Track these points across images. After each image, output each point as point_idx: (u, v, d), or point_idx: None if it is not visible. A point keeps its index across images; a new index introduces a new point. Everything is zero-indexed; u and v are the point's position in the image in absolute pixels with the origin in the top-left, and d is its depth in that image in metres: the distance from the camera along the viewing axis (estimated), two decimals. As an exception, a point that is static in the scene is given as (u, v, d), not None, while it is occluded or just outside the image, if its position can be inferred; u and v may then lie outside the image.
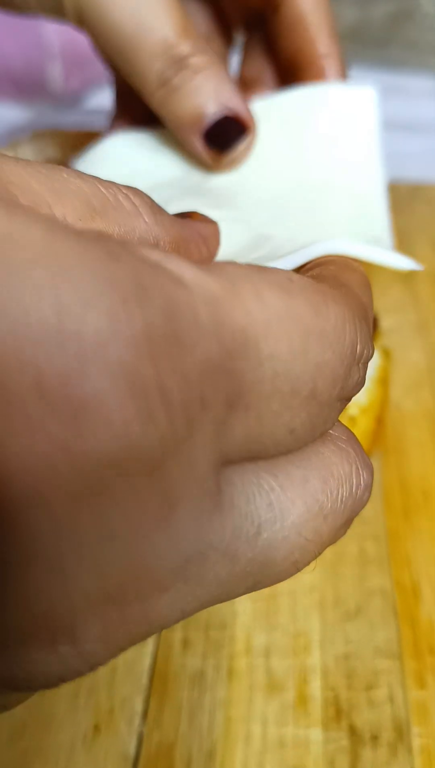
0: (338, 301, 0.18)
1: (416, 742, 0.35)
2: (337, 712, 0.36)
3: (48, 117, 1.11)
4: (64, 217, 0.19)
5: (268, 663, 0.38)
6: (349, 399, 0.19)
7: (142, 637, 0.16)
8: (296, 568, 0.18)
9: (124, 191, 0.22)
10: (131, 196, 0.22)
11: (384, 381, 0.48)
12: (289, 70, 0.45)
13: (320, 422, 0.18)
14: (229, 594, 0.17)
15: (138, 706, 0.36)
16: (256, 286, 0.16)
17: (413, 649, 0.38)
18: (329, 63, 0.43)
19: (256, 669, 0.38)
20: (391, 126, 1.22)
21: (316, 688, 0.37)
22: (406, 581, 0.41)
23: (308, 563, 0.19)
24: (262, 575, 0.17)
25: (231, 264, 0.17)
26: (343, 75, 0.45)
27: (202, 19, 0.47)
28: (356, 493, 0.20)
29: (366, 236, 0.35)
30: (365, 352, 0.19)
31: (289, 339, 0.16)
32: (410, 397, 0.54)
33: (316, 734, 0.35)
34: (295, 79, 0.45)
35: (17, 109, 1.09)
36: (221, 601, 0.18)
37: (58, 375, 0.12)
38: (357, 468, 0.20)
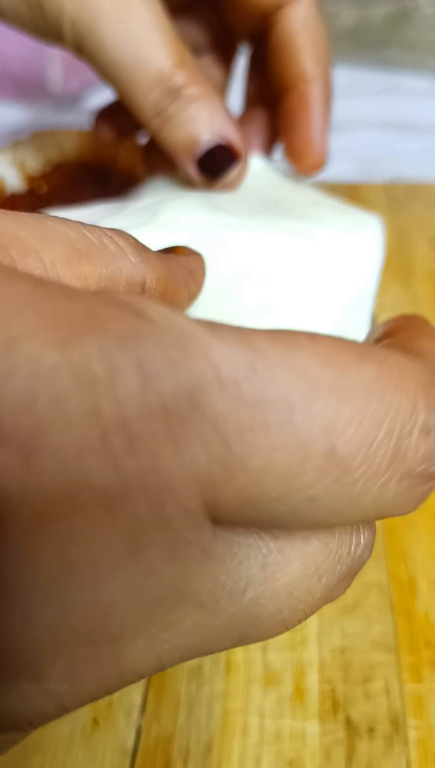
0: (381, 361, 0.16)
1: (412, 735, 0.35)
2: (333, 705, 0.36)
3: (48, 117, 1.12)
4: (53, 262, 0.20)
5: (266, 656, 0.38)
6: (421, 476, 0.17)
7: (116, 685, 0.15)
8: (285, 626, 0.17)
9: (109, 234, 0.23)
10: (115, 238, 0.23)
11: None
12: (277, 92, 0.46)
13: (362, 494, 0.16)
14: (213, 647, 0.17)
15: (136, 699, 0.37)
16: (239, 332, 0.15)
17: (409, 643, 0.38)
18: (314, 89, 0.45)
19: (253, 662, 0.38)
20: (390, 126, 1.22)
21: (313, 681, 0.37)
22: (403, 576, 0.42)
23: (299, 622, 0.18)
24: (248, 630, 0.17)
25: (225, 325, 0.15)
26: (328, 102, 0.46)
27: (202, 38, 0.47)
28: (355, 552, 0.19)
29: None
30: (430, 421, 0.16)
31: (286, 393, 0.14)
32: (407, 394, 0.54)
33: (312, 727, 0.35)
34: (281, 101, 0.46)
35: (17, 109, 1.09)
36: (205, 654, 0.17)
37: (9, 405, 0.12)
38: (358, 526, 0.19)
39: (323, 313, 0.38)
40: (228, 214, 0.41)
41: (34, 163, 0.56)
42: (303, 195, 0.48)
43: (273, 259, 0.39)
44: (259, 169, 0.49)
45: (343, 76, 1.33)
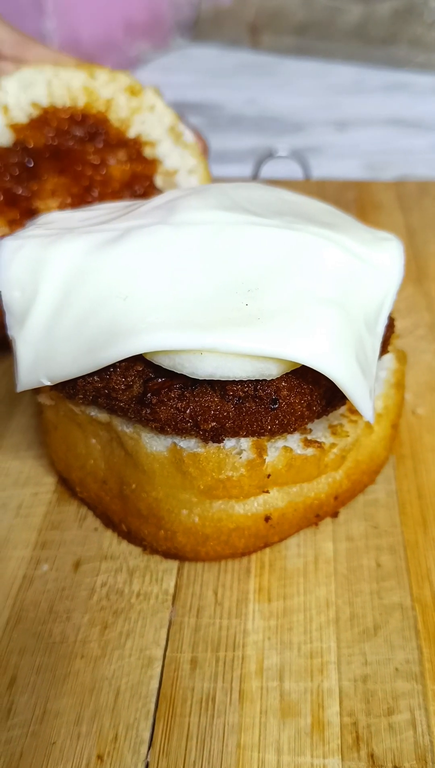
0: None
1: (441, 772, 0.32)
2: (355, 740, 0.33)
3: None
4: None
5: (282, 686, 0.35)
6: None
7: None
8: None
9: None
10: None
11: (400, 385, 0.46)
12: None
13: None
14: None
15: (144, 732, 0.34)
16: None
17: (436, 671, 0.36)
18: None
19: (269, 692, 0.35)
20: (396, 123, 1.20)
21: (333, 713, 0.34)
22: (427, 596, 0.39)
23: None
24: None
25: None
26: None
27: None
28: None
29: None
30: None
31: None
32: (425, 402, 0.52)
33: (334, 764, 0.33)
34: None
35: None
36: None
37: None
38: None
39: (345, 314, 0.36)
40: (246, 212, 0.39)
41: (19, 110, 0.53)
42: (316, 204, 0.46)
43: (295, 256, 0.37)
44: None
45: (349, 74, 1.31)
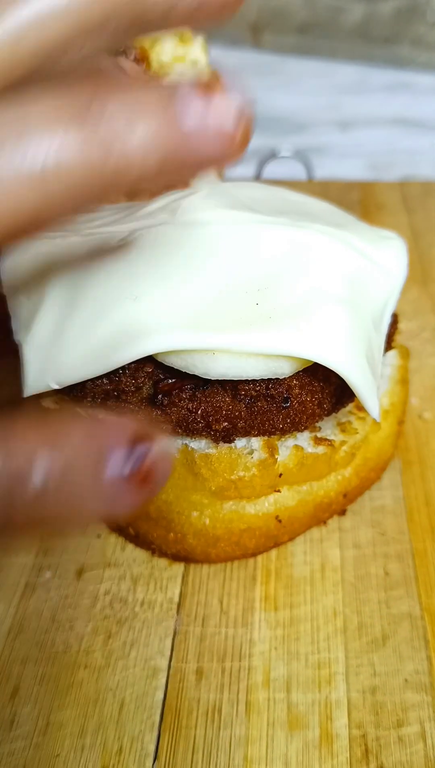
0: None
1: (452, 787, 0.32)
2: (365, 753, 0.33)
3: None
4: None
5: (289, 697, 0.35)
6: None
7: None
8: None
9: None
10: None
11: (404, 381, 0.46)
12: None
13: None
14: None
15: (149, 745, 0.33)
16: None
17: (446, 682, 0.35)
18: None
19: (276, 704, 0.35)
20: (399, 123, 1.19)
21: (341, 725, 0.34)
22: (435, 606, 0.38)
23: None
24: None
25: None
26: None
27: None
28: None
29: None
30: None
31: None
32: (432, 406, 0.51)
33: (343, 778, 0.32)
34: None
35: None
36: None
37: None
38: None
39: (355, 312, 0.35)
40: (251, 211, 0.39)
41: None
42: (318, 203, 0.46)
43: (304, 254, 0.37)
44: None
45: (352, 74, 1.31)
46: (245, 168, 0.93)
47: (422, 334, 0.59)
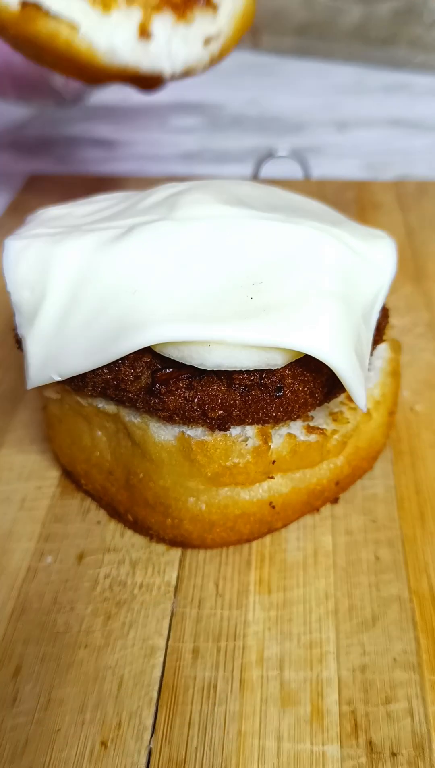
0: None
1: (438, 759, 0.33)
2: (354, 728, 0.34)
3: (48, 114, 1.10)
4: None
5: (282, 675, 0.36)
6: None
7: None
8: None
9: None
10: None
11: (395, 373, 0.47)
12: None
13: None
14: None
15: (147, 720, 0.35)
16: None
17: (433, 661, 0.36)
18: None
19: (269, 681, 0.36)
20: (396, 124, 1.20)
21: (332, 702, 0.35)
22: (424, 589, 0.40)
23: None
24: None
25: None
26: None
27: None
28: None
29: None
30: None
31: None
32: (424, 399, 0.53)
33: (332, 751, 0.33)
34: None
35: (18, 108, 1.07)
36: None
37: None
38: None
39: (346, 306, 0.37)
40: (247, 207, 0.40)
41: None
42: (309, 201, 0.48)
43: (297, 250, 0.38)
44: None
45: (349, 74, 1.32)
46: (243, 167, 0.95)
47: (415, 330, 0.60)
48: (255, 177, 0.85)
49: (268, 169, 0.85)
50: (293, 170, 0.86)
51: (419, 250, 0.71)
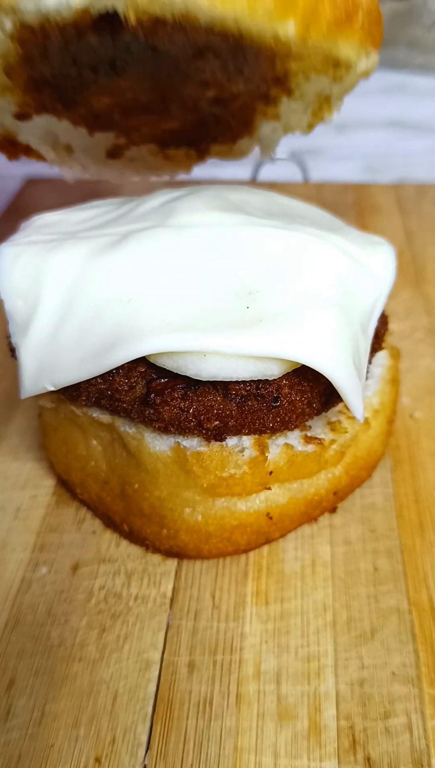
0: None
1: (437, 776, 0.32)
2: (352, 743, 0.34)
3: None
4: None
5: (279, 689, 0.36)
6: None
7: None
8: None
9: None
10: None
11: (394, 381, 0.46)
12: None
13: None
14: None
15: (141, 735, 0.34)
16: None
17: (432, 674, 0.36)
18: None
19: (266, 695, 0.35)
20: (396, 126, 1.20)
21: (329, 716, 0.35)
22: (423, 600, 0.39)
23: None
24: None
25: None
26: None
27: None
28: None
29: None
30: None
31: None
32: (423, 405, 0.52)
33: (330, 767, 0.33)
34: None
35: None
36: None
37: None
38: None
39: (344, 315, 0.36)
40: (244, 213, 0.40)
41: None
42: (308, 207, 0.47)
43: (295, 257, 0.37)
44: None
45: (348, 75, 1.32)
46: (241, 170, 0.94)
47: (414, 335, 0.59)
48: (253, 180, 0.84)
49: (267, 172, 0.84)
50: (292, 173, 0.85)
51: (419, 254, 0.71)
